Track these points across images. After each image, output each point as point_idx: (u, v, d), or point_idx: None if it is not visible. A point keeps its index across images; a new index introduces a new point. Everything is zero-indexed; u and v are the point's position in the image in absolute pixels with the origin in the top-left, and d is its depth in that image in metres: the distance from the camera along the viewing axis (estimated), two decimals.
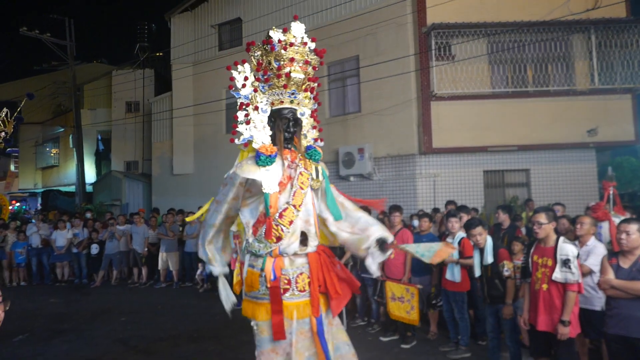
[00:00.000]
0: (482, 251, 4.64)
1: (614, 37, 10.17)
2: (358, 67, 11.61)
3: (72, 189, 20.76)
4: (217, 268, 3.12)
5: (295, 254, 2.84)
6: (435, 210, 8.83)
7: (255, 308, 2.87)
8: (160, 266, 10.27)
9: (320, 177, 2.98)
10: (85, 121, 20.15)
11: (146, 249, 10.44)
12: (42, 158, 24.94)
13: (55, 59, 20.09)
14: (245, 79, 2.98)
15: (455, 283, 5.34)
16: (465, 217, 5.78)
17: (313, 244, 2.91)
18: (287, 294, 2.81)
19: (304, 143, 3.08)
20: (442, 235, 6.31)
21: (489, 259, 4.54)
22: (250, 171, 2.78)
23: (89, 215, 12.87)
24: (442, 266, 5.50)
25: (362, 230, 3.07)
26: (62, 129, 23.44)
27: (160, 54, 21.38)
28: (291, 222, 2.80)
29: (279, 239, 2.78)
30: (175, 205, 12.54)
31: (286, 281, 2.81)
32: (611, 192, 5.08)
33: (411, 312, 5.53)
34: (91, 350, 5.77)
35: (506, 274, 4.42)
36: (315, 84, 3.13)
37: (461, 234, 5.39)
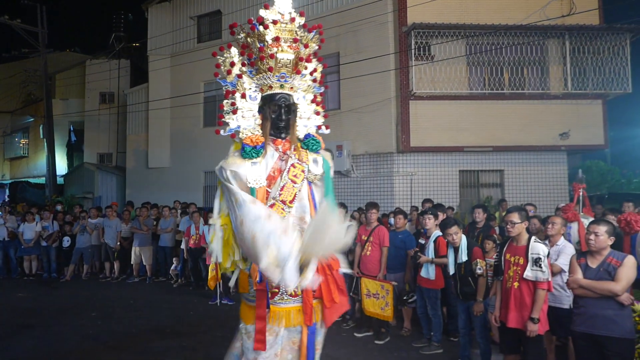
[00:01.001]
0: (456, 250, 4.72)
1: (587, 44, 10.47)
2: (338, 64, 11.62)
3: (42, 180, 20.15)
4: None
5: None
6: (414, 208, 8.94)
7: (246, 311, 2.62)
8: (133, 261, 10.07)
9: (319, 169, 2.70)
10: (57, 111, 19.56)
11: (118, 243, 10.21)
12: (11, 148, 24.13)
13: (26, 46, 19.47)
14: (232, 64, 2.68)
15: (430, 280, 5.42)
16: (441, 216, 5.87)
17: None
18: (275, 298, 2.54)
19: (304, 131, 2.79)
20: (418, 234, 6.38)
21: (463, 257, 4.63)
22: (235, 164, 2.53)
23: (59, 207, 12.51)
24: (417, 265, 5.57)
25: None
26: (32, 119, 22.70)
27: (137, 44, 20.91)
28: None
29: None
30: (150, 200, 12.32)
31: (273, 284, 2.51)
32: (581, 193, 5.23)
33: (386, 308, 5.58)
34: (59, 346, 5.60)
35: (479, 272, 4.52)
36: (320, 65, 2.82)
37: (437, 232, 5.46)
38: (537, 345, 3.80)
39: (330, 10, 11.78)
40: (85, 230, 10.21)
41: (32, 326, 6.46)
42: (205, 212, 9.02)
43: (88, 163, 18.63)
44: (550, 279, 3.75)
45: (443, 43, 10.36)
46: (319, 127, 2.86)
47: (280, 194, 2.56)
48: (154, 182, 15.56)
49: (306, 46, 2.66)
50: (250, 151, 2.54)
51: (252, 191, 2.50)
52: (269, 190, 2.57)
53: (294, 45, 2.60)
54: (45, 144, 18.31)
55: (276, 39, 2.56)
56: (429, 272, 5.42)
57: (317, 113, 2.86)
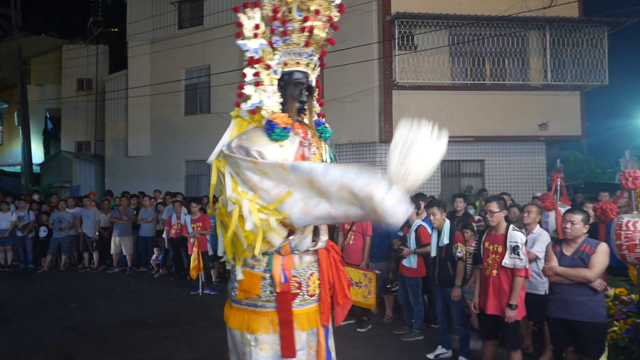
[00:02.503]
0: (439, 233, 4.80)
1: (566, 36, 10.63)
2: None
3: (17, 169, 19.62)
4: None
5: (306, 251, 2.35)
6: None
7: (253, 319, 2.27)
8: (112, 251, 9.91)
9: (328, 160, 2.51)
10: (32, 97, 19.00)
11: (97, 233, 10.04)
12: None
13: None
14: (257, 27, 2.33)
15: (412, 269, 5.49)
16: (423, 205, 5.92)
17: (323, 238, 2.42)
18: (297, 300, 2.30)
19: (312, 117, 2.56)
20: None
21: (445, 240, 4.71)
22: (259, 144, 2.21)
23: (36, 197, 12.21)
24: (400, 257, 5.63)
25: None
26: (6, 105, 22.01)
27: (116, 29, 20.36)
28: None
29: (290, 233, 2.24)
30: (130, 189, 12.12)
31: (296, 284, 2.29)
32: (559, 183, 5.34)
33: (368, 296, 5.63)
34: (36, 338, 5.51)
35: (459, 254, 4.60)
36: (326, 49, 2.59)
37: (418, 221, 5.52)
38: (515, 330, 3.89)
39: None
40: (62, 221, 10.00)
41: (8, 319, 6.32)
42: (188, 201, 8.92)
43: (65, 151, 18.19)
44: (527, 266, 3.83)
45: (426, 33, 10.39)
46: (319, 115, 2.64)
47: None
48: (134, 171, 15.30)
49: (335, 28, 2.45)
50: (280, 132, 2.23)
51: None
52: None
53: (325, 23, 2.39)
54: (21, 131, 17.79)
55: (316, 12, 2.32)
56: (410, 261, 5.50)
57: (318, 100, 2.65)
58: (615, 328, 4.02)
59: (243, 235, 2.14)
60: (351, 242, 5.94)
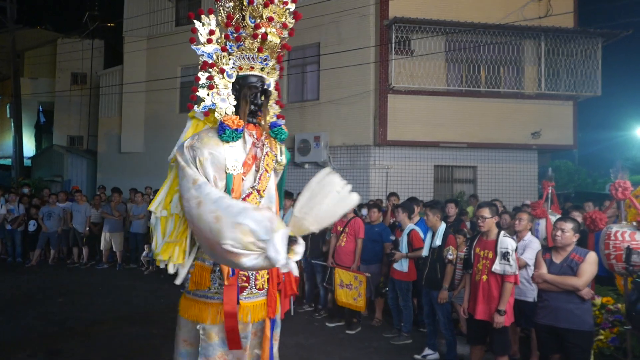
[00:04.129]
0: (433, 234, 4.83)
1: (561, 46, 10.74)
2: (319, 54, 11.56)
3: (8, 162, 19.40)
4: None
5: None
6: (379, 201, 8.85)
7: (203, 309, 2.39)
8: (102, 246, 9.84)
9: (284, 159, 2.64)
10: (25, 90, 18.80)
11: (87, 229, 9.96)
12: None
13: None
14: (211, 33, 2.47)
15: (403, 272, 5.51)
16: (417, 209, 5.95)
17: None
18: (244, 293, 2.41)
19: (267, 119, 2.65)
20: (393, 227, 6.45)
21: (438, 242, 4.74)
22: (211, 145, 2.32)
23: (26, 190, 12.09)
24: (392, 261, 5.64)
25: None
26: None
27: (112, 24, 20.24)
28: None
29: None
30: (122, 185, 12.03)
31: (244, 278, 2.40)
32: (550, 191, 5.39)
33: (358, 299, 5.65)
34: (22, 332, 5.45)
35: (449, 257, 4.64)
36: (283, 53, 2.71)
37: (410, 225, 5.55)
38: (503, 336, 3.93)
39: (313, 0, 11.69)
40: (51, 215, 9.91)
41: None
42: None
43: (57, 145, 18.02)
44: (517, 273, 3.87)
45: (423, 38, 10.44)
46: (278, 117, 2.71)
47: (258, 183, 2.45)
48: (127, 167, 15.20)
49: (291, 34, 2.58)
50: (230, 134, 2.34)
51: (229, 178, 2.33)
52: (243, 178, 2.41)
53: (280, 29, 2.51)
54: (12, 124, 17.60)
55: (270, 19, 2.43)
56: (402, 265, 5.52)
57: (277, 102, 2.75)
58: (602, 337, 4.07)
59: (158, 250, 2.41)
60: (343, 244, 5.96)
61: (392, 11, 10.53)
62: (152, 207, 2.46)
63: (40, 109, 20.79)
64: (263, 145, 2.51)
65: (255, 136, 2.50)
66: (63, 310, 6.43)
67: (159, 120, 14.75)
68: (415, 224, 5.57)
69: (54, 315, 6.18)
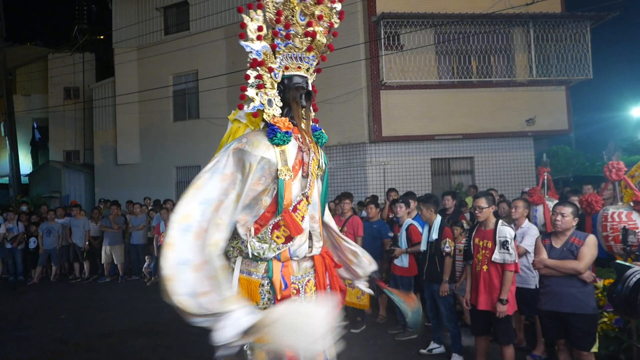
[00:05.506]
0: (430, 228, 4.82)
1: (550, 32, 10.74)
2: None
3: (5, 180, 19.39)
4: (240, 317, 1.88)
5: (303, 257, 2.32)
6: (375, 197, 8.76)
7: None
8: (103, 260, 9.82)
9: (324, 165, 2.48)
10: (19, 107, 18.79)
11: (87, 243, 9.94)
12: None
13: None
14: (259, 29, 2.30)
15: (404, 268, 5.50)
16: (413, 204, 5.94)
17: (318, 245, 2.38)
18: None
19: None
20: (391, 223, 6.43)
21: (434, 235, 4.73)
22: (261, 148, 2.16)
23: (24, 208, 12.07)
24: (392, 257, 5.63)
25: (350, 249, 2.70)
26: None
27: (102, 37, 20.23)
28: (303, 218, 2.26)
29: (289, 238, 2.21)
30: (121, 197, 12.03)
31: (295, 291, 2.27)
32: (546, 177, 5.38)
33: (362, 297, 5.62)
34: (26, 350, 5.43)
35: (446, 250, 4.62)
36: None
37: (408, 220, 5.53)
38: (507, 325, 3.91)
39: None
40: (51, 232, 9.89)
41: None
42: None
43: (54, 161, 18.01)
44: (517, 261, 3.85)
45: (412, 32, 10.44)
46: (313, 120, 2.58)
47: (309, 189, 2.30)
48: (124, 179, 15.18)
49: (335, 34, 2.43)
50: (282, 137, 2.19)
51: (280, 184, 2.18)
52: (292, 183, 2.26)
53: (326, 29, 2.36)
54: (7, 142, 17.57)
55: (320, 17, 2.29)
56: (402, 260, 5.50)
57: (313, 105, 2.58)
58: (605, 319, 4.05)
59: None
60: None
61: (379, 7, 10.53)
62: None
63: (35, 125, 20.78)
64: (309, 149, 2.35)
65: (300, 140, 2.34)
66: (66, 327, 6.40)
67: (153, 130, 14.75)
68: (412, 219, 5.55)
69: (57, 331, 6.16)
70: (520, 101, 10.92)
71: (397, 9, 10.23)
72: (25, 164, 19.71)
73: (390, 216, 6.78)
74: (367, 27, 10.78)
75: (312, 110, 2.51)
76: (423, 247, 4.91)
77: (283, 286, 2.20)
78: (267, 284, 2.21)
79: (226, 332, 1.84)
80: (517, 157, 11.22)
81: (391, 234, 5.88)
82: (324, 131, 2.52)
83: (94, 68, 19.30)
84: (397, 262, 5.55)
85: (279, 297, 2.17)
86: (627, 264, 1.67)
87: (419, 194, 8.64)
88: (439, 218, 4.82)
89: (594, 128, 19.42)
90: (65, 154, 19.19)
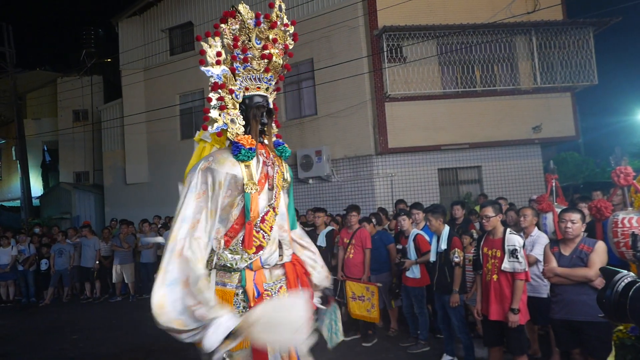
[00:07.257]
0: (438, 239, 4.79)
1: (552, 39, 10.76)
2: (313, 69, 11.67)
3: (16, 203, 19.64)
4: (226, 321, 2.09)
5: (275, 265, 2.46)
6: (382, 210, 8.66)
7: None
8: (114, 279, 9.87)
9: (289, 177, 2.66)
10: (29, 131, 19.12)
11: (97, 262, 9.99)
12: None
13: None
14: (218, 54, 2.51)
15: (416, 279, 5.45)
16: (420, 215, 5.91)
17: (288, 252, 2.53)
18: None
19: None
20: (398, 235, 6.41)
21: (443, 245, 4.69)
22: (227, 165, 2.33)
23: (37, 230, 12.20)
24: (402, 269, 5.56)
25: (309, 262, 2.77)
26: (4, 141, 22.16)
27: (109, 59, 20.63)
28: (271, 228, 2.41)
29: (259, 248, 2.35)
30: (131, 216, 12.10)
31: (268, 297, 2.38)
32: (553, 184, 5.34)
33: (372, 310, 5.58)
34: None
35: (456, 260, 4.58)
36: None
37: (414, 231, 5.51)
38: (519, 335, 3.85)
39: (303, 16, 11.84)
40: (62, 253, 9.98)
41: (9, 354, 6.26)
42: None
43: (64, 183, 18.24)
44: (527, 269, 3.82)
45: (414, 44, 10.51)
46: (277, 136, 2.74)
47: (275, 200, 2.46)
48: (133, 198, 15.32)
49: (290, 55, 2.61)
50: (245, 153, 2.35)
51: (247, 197, 2.33)
52: (258, 196, 2.41)
53: (281, 51, 2.54)
54: (19, 165, 17.87)
55: (274, 40, 2.48)
56: (414, 271, 5.46)
57: (275, 121, 2.75)
58: (621, 327, 3.96)
59: None
60: (351, 255, 5.92)
61: (380, 21, 10.63)
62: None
63: (45, 148, 21.09)
64: (273, 163, 2.53)
65: (264, 155, 2.51)
66: (78, 347, 6.42)
67: (161, 149, 14.91)
68: (421, 229, 5.53)
69: (68, 352, 6.18)
70: (526, 109, 10.89)
71: (399, 21, 10.32)
72: (37, 187, 19.97)
73: (399, 228, 6.75)
74: (369, 41, 10.88)
75: (273, 127, 2.68)
76: (432, 257, 4.89)
77: (256, 294, 2.32)
78: (242, 292, 2.33)
79: (214, 337, 2.04)
80: (525, 165, 11.15)
81: (399, 247, 5.84)
82: (287, 145, 2.70)
83: (102, 90, 19.62)
84: (408, 273, 5.50)
85: (252, 305, 2.28)
86: (615, 268, 1.67)
87: (426, 204, 8.61)
88: (447, 228, 4.79)
89: (602, 133, 19.25)
90: (75, 175, 19.44)
